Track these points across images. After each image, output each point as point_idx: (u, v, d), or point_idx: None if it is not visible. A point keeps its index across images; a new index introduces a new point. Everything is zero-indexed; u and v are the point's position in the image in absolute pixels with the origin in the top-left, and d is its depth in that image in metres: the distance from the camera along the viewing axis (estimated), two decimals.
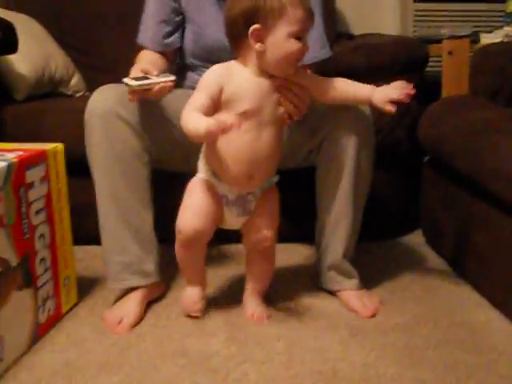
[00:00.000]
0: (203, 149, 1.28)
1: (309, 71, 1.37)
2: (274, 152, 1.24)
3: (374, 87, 1.23)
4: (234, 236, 1.38)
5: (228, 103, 1.18)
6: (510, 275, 1.30)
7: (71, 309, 1.41)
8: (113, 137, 1.30)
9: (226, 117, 1.14)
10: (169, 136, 1.36)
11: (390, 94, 1.20)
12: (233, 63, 1.21)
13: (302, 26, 1.16)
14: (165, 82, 1.23)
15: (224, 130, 1.06)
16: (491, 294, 1.41)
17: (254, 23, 1.15)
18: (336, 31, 2.30)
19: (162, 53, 1.51)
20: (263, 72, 1.20)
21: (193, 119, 1.10)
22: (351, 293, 1.42)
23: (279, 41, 1.15)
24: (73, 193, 1.43)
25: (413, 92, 1.19)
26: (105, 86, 1.35)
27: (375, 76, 1.86)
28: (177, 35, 1.51)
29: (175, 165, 1.46)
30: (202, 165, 1.29)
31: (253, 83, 1.19)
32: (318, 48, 1.47)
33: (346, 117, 1.34)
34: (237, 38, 1.19)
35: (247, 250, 1.37)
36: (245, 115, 1.18)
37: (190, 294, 1.36)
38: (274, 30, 1.15)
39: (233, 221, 1.32)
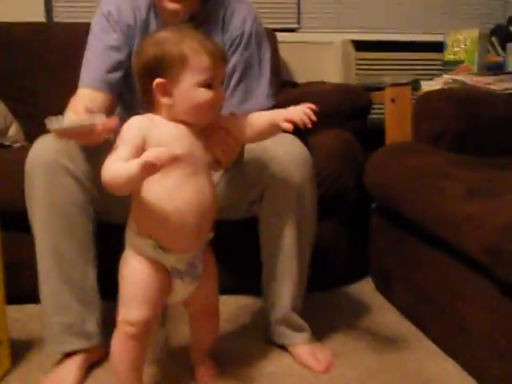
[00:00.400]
0: (132, 216, 1.13)
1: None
2: (216, 199, 1.16)
3: (278, 111, 1.14)
4: None
5: None
6: (457, 321, 1.29)
7: (3, 376, 1.30)
8: (56, 189, 1.22)
9: (159, 150, 0.98)
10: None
11: (288, 114, 1.10)
12: (151, 114, 1.13)
13: (210, 74, 1.08)
14: (105, 122, 1.07)
15: (162, 160, 0.95)
16: (443, 342, 1.39)
17: (157, 76, 1.07)
18: (280, 80, 2.32)
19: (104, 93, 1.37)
20: (181, 121, 1.12)
21: (120, 165, 1.00)
22: (303, 347, 1.36)
23: (186, 92, 1.07)
24: (7, 248, 1.34)
25: (313, 118, 1.09)
26: (48, 135, 1.24)
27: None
28: (120, 74, 1.39)
29: (120, 216, 1.28)
30: (133, 238, 1.12)
31: (176, 130, 1.10)
32: (263, 100, 1.43)
33: (285, 163, 1.29)
34: (145, 92, 1.11)
35: (190, 314, 1.27)
36: (179, 161, 1.06)
37: None
38: (179, 81, 1.07)
39: (183, 292, 1.18)
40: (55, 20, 2.42)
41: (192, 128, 1.12)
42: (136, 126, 1.08)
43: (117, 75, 1.38)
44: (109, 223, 1.36)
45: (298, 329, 1.38)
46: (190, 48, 1.07)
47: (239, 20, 1.41)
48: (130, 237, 1.13)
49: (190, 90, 1.08)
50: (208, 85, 1.08)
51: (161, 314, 1.21)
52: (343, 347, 1.42)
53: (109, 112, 1.35)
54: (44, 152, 1.23)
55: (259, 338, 1.45)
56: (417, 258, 1.49)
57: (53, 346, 1.29)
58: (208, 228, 1.16)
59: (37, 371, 1.32)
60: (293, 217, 1.31)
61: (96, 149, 1.14)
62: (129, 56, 1.38)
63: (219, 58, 1.10)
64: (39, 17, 2.37)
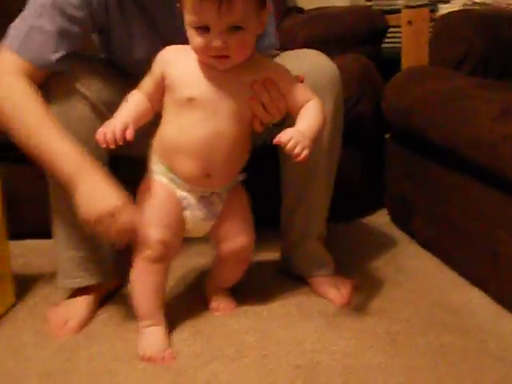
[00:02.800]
0: (155, 139, 1.10)
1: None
2: (236, 150, 1.08)
3: (303, 130, 1.00)
4: None
5: (169, 88, 1.05)
6: (489, 250, 1.22)
7: (8, 311, 1.24)
8: (70, 115, 1.12)
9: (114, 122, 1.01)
10: None
11: (284, 135, 0.97)
12: (188, 47, 1.02)
13: (198, 17, 0.94)
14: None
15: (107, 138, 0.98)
16: (470, 272, 1.33)
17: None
18: (286, 6, 2.18)
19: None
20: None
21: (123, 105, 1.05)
22: (323, 279, 1.30)
23: (187, 29, 0.99)
24: (8, 182, 1.27)
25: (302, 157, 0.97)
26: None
27: (333, 47, 1.76)
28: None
29: (134, 150, 1.15)
30: (154, 160, 1.11)
31: (199, 70, 1.03)
32: (273, 39, 1.31)
33: (315, 77, 1.16)
34: None
35: (219, 256, 1.20)
36: (191, 104, 1.02)
37: (153, 339, 1.09)
38: (185, 16, 0.98)
39: (197, 227, 1.14)
40: None
41: (224, 72, 1.02)
42: (159, 58, 1.06)
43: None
44: (124, 157, 1.27)
45: (321, 259, 1.31)
46: None
47: None
48: (153, 157, 1.11)
49: (187, 28, 0.99)
50: (202, 27, 0.95)
51: (179, 243, 1.13)
52: (364, 279, 1.36)
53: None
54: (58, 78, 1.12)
55: (275, 270, 1.39)
56: (441, 186, 1.41)
57: (66, 280, 1.22)
58: (221, 175, 1.09)
59: (43, 305, 1.26)
60: (326, 134, 1.21)
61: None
62: None
63: (211, 2, 0.92)
64: None
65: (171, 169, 1.09)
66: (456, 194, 1.35)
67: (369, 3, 2.17)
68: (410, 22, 1.83)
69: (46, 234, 1.29)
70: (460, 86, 1.39)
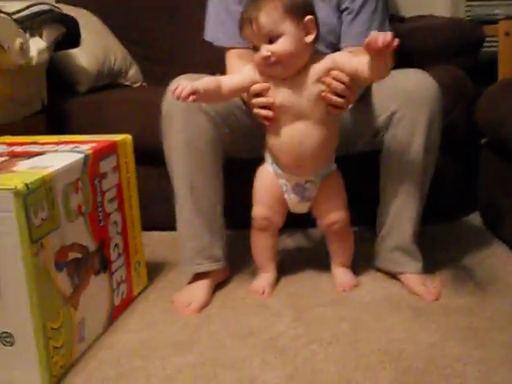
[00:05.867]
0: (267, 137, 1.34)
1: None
2: (321, 144, 1.28)
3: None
4: (310, 221, 1.46)
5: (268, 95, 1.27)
6: None
7: (141, 292, 1.48)
8: (191, 127, 1.33)
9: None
10: (239, 124, 1.41)
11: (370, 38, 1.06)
12: None
13: (248, 38, 1.24)
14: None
15: (176, 90, 1.15)
16: None
17: None
18: (387, 14, 2.28)
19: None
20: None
21: (203, 79, 1.23)
22: (414, 276, 1.43)
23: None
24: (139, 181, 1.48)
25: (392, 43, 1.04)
26: (183, 76, 1.35)
27: (429, 59, 1.86)
28: None
29: (245, 153, 1.49)
30: (266, 152, 1.37)
31: (273, 82, 1.26)
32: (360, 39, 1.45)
33: (416, 95, 1.32)
34: None
35: (323, 231, 1.47)
36: (280, 109, 1.26)
37: (259, 280, 1.46)
38: None
39: (295, 206, 1.41)
40: None
41: (291, 80, 1.24)
42: (251, 68, 1.29)
43: None
44: (235, 159, 1.48)
45: (413, 257, 1.44)
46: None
47: None
48: (266, 151, 1.38)
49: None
50: (255, 47, 1.23)
51: (282, 217, 1.43)
52: (452, 277, 1.48)
53: None
54: None
55: (366, 265, 1.54)
56: None
57: (187, 266, 1.45)
58: (311, 165, 1.32)
59: (169, 288, 1.48)
60: (420, 145, 1.34)
61: None
62: None
63: (249, 22, 1.20)
64: None
65: (275, 160, 1.35)
66: None
67: (468, 11, 2.23)
68: (507, 34, 1.88)
69: (169, 227, 1.51)
70: None
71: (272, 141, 1.31)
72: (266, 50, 1.21)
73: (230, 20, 1.39)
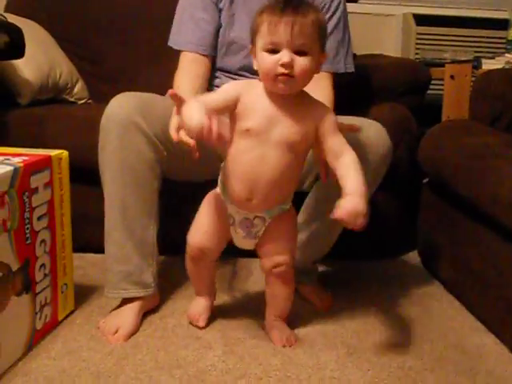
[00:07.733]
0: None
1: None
2: (282, 177, 1.18)
3: (356, 193, 1.08)
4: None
5: (236, 116, 1.16)
6: (505, 299, 1.32)
7: (67, 316, 1.41)
8: (128, 146, 1.28)
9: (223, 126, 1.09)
10: (182, 148, 1.30)
11: (348, 208, 1.06)
12: (256, 80, 1.18)
13: (270, 38, 1.10)
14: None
15: (211, 135, 1.01)
16: (487, 318, 1.42)
17: (252, 43, 1.17)
18: None
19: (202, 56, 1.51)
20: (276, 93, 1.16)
21: (196, 108, 1.04)
22: (308, 287, 1.52)
23: (257, 56, 1.14)
24: (73, 201, 1.42)
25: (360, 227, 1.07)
26: (125, 93, 1.32)
27: (377, 96, 1.89)
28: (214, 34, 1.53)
29: (182, 176, 1.46)
30: (219, 179, 1.28)
31: (264, 100, 1.16)
32: (341, 64, 1.54)
33: (371, 145, 1.34)
34: None
35: (264, 272, 1.33)
36: (247, 133, 1.15)
37: (195, 305, 1.40)
38: (255, 46, 1.15)
39: (241, 242, 1.30)
40: None
41: (281, 105, 1.15)
42: (233, 85, 1.20)
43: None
44: (172, 182, 1.44)
45: (308, 271, 1.53)
46: (264, 17, 1.12)
47: None
48: (219, 179, 1.28)
49: (258, 54, 1.14)
50: (272, 50, 1.10)
51: (220, 250, 1.33)
52: (387, 315, 1.47)
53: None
54: (120, 110, 1.29)
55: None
56: (465, 235, 1.52)
57: (113, 291, 1.38)
58: (262, 199, 1.20)
59: (97, 313, 1.42)
60: None
61: (170, 111, 1.22)
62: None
63: (283, 23, 1.08)
64: None
65: (225, 190, 1.24)
66: (477, 243, 1.45)
67: (417, 54, 2.29)
68: (452, 77, 1.93)
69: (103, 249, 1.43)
70: (489, 144, 1.49)
71: (226, 166, 1.21)
72: (289, 56, 1.09)
73: (192, 26, 1.48)
